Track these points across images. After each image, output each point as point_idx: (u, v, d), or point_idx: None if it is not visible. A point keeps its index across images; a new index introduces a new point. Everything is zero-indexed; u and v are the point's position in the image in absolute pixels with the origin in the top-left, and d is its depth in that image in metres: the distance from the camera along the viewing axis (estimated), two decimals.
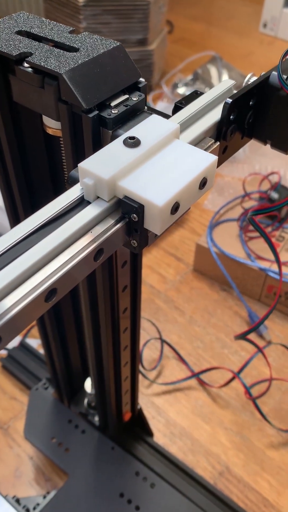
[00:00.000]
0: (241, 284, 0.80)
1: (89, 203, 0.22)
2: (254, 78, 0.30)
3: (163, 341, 0.73)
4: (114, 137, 0.25)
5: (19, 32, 0.28)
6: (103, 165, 0.22)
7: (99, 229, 0.22)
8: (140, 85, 0.27)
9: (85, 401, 0.59)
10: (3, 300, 0.19)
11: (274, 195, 0.83)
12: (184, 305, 0.81)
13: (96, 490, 0.52)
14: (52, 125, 0.29)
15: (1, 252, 0.20)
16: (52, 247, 0.20)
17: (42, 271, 0.20)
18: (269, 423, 0.64)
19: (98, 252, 0.22)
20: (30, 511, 0.54)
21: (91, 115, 0.25)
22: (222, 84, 0.31)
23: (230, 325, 0.78)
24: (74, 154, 0.27)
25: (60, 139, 0.30)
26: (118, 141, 0.23)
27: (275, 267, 0.76)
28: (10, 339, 0.19)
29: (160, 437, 0.63)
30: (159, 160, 0.23)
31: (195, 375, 0.70)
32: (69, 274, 0.20)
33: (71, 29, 0.28)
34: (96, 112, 0.25)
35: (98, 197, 0.22)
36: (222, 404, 0.68)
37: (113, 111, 0.25)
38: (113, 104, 0.26)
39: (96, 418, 0.57)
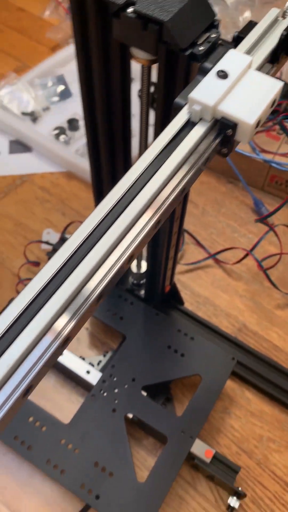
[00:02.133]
0: (246, 176, 0.90)
1: (194, 124, 0.32)
2: None
3: (183, 230, 0.85)
4: (201, 68, 0.33)
5: None
6: (206, 94, 0.31)
7: (205, 142, 0.31)
8: (215, 23, 0.35)
9: (130, 279, 0.72)
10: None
11: None
12: (196, 199, 0.91)
13: (149, 345, 0.67)
14: (141, 56, 0.36)
15: (147, 166, 0.29)
16: (182, 155, 0.30)
17: (178, 174, 0.30)
18: (277, 289, 0.79)
19: (206, 159, 0.31)
20: (95, 366, 0.69)
21: (186, 53, 0.33)
22: (270, 14, 0.38)
23: (238, 213, 0.90)
24: (165, 83, 0.36)
25: (145, 67, 0.38)
26: (212, 75, 0.32)
27: (277, 159, 0.86)
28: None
29: (188, 305, 0.77)
30: (242, 87, 0.32)
31: (212, 255, 0.83)
32: (195, 174, 0.30)
33: None
34: (190, 50, 0.33)
35: (201, 119, 0.32)
36: (236, 277, 0.82)
37: (200, 48, 0.33)
38: (199, 42, 0.33)
39: (142, 292, 0.71)
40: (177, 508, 0.62)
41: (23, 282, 0.78)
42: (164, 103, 0.38)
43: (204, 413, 0.62)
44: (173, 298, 0.73)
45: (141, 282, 0.72)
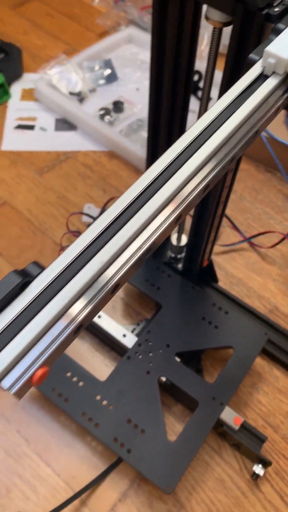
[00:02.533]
0: (286, 166, 0.92)
1: (266, 77, 0.34)
2: None
3: None
4: (275, 29, 0.36)
5: None
6: (282, 49, 0.33)
7: (276, 93, 0.33)
8: None
9: (168, 253, 0.74)
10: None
11: None
12: (234, 185, 0.93)
13: (184, 316, 0.69)
14: (216, 18, 0.39)
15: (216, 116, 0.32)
16: (256, 103, 0.32)
17: (250, 120, 0.32)
18: None
19: (277, 110, 0.34)
20: (129, 332, 0.71)
21: (263, 12, 0.35)
22: None
23: (275, 201, 0.91)
24: (238, 43, 0.38)
25: (216, 30, 0.40)
26: (286, 33, 0.34)
27: None
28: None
29: (222, 285, 0.79)
30: None
31: (247, 239, 0.85)
32: (266, 122, 0.32)
33: None
34: (266, 10, 0.35)
35: (273, 73, 0.34)
36: (270, 261, 0.83)
37: (275, 9, 0.36)
38: (274, 4, 0.36)
39: (179, 265, 0.73)
40: (203, 472, 0.64)
41: (64, 249, 0.81)
42: (234, 66, 0.40)
43: (235, 383, 0.64)
44: (209, 275, 0.75)
45: (179, 256, 0.74)
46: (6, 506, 0.61)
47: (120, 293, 0.78)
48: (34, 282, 0.24)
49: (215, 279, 0.77)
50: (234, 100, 0.33)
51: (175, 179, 0.28)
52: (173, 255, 0.74)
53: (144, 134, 0.95)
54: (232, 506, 0.62)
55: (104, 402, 0.61)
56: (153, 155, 0.57)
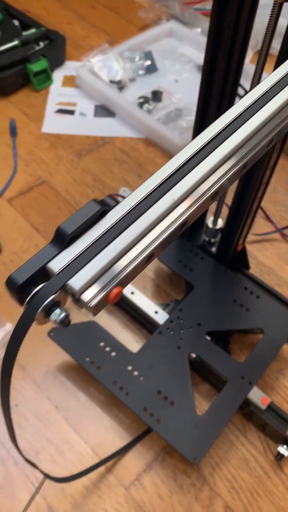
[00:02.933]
0: None
1: None
2: None
3: None
4: None
5: None
6: None
7: None
8: None
9: (203, 236, 0.75)
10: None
11: None
12: None
13: (215, 297, 0.70)
14: None
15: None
16: None
17: None
18: None
19: None
20: (160, 309, 0.72)
21: None
22: None
23: None
24: None
25: (276, 4, 0.42)
26: None
27: None
28: None
29: (252, 273, 0.80)
30: None
31: (279, 229, 0.86)
32: None
33: None
34: None
35: None
36: None
37: None
38: None
39: (213, 249, 0.74)
40: (227, 451, 0.65)
41: None
42: None
43: (264, 365, 0.65)
44: (241, 261, 0.76)
45: (213, 240, 0.75)
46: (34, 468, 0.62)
47: (150, 274, 0.80)
48: (111, 211, 0.26)
49: (246, 265, 0.78)
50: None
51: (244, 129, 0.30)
52: (207, 239, 0.75)
53: (182, 123, 0.97)
54: (255, 485, 0.63)
55: (135, 373, 0.63)
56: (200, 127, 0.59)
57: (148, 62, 1.08)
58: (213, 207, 0.76)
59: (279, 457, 0.62)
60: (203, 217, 0.75)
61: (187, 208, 0.27)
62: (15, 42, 1.02)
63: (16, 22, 1.10)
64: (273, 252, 0.84)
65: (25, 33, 1.06)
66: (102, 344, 0.65)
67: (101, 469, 0.63)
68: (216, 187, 0.28)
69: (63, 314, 0.24)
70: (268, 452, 0.65)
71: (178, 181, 0.27)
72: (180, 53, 1.12)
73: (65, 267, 0.24)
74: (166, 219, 0.26)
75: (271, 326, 0.68)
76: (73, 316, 0.75)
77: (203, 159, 0.28)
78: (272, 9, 0.43)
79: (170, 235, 0.27)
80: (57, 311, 0.24)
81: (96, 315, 0.25)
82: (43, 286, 0.24)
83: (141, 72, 1.07)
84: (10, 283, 0.24)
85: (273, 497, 0.62)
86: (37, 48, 1.04)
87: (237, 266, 0.75)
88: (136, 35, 1.16)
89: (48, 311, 0.24)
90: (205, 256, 0.74)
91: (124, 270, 0.25)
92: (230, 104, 0.56)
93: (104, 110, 1.02)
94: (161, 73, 1.08)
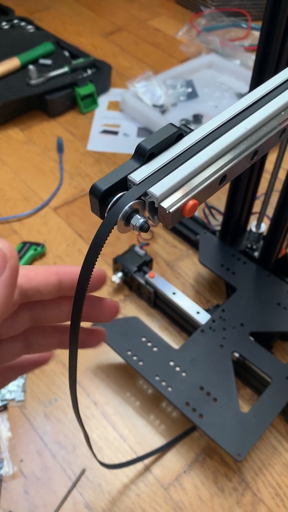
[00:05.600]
0: None
1: None
2: None
3: None
4: None
5: None
6: None
7: None
8: None
9: (245, 242, 0.76)
10: None
11: None
12: None
13: (258, 300, 0.70)
14: None
15: None
16: None
17: None
18: None
19: None
20: (202, 309, 0.72)
21: None
22: None
23: None
24: None
25: None
26: None
27: None
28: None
29: None
30: None
31: None
32: None
33: None
34: None
35: None
36: None
37: None
38: None
39: (255, 254, 0.75)
40: (270, 456, 0.62)
41: (141, 234, 0.85)
42: None
43: None
44: (283, 268, 0.76)
45: (255, 246, 0.76)
46: (71, 462, 0.61)
47: (191, 280, 0.80)
48: (188, 136, 0.28)
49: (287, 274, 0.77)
50: None
51: None
52: (249, 245, 0.76)
53: None
54: None
55: (177, 368, 0.62)
56: None
57: (189, 89, 1.14)
58: (256, 209, 0.77)
59: None
60: (245, 222, 0.76)
61: (257, 141, 0.28)
62: (65, 69, 1.09)
63: (66, 53, 1.18)
64: None
65: (74, 61, 1.14)
66: (144, 339, 0.65)
67: (140, 467, 0.61)
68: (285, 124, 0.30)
69: (142, 219, 0.25)
70: None
71: (249, 115, 0.29)
72: (220, 82, 1.18)
73: (146, 178, 0.25)
74: (239, 146, 0.28)
75: None
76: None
77: (271, 101, 0.30)
78: None
79: (241, 162, 0.28)
80: (137, 216, 0.25)
81: (172, 226, 0.26)
82: (124, 193, 0.25)
83: (182, 98, 1.12)
84: (94, 190, 0.25)
85: None
86: (85, 74, 1.11)
87: (280, 272, 0.75)
88: (177, 65, 1.22)
89: (128, 218, 0.25)
90: (247, 261, 0.74)
91: (200, 185, 0.26)
92: None
93: (146, 132, 1.06)
94: (201, 99, 1.13)
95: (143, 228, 0.25)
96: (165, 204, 0.25)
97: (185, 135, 0.28)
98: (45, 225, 0.88)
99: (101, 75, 1.13)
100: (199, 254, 0.76)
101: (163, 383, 0.61)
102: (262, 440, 0.63)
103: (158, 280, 0.74)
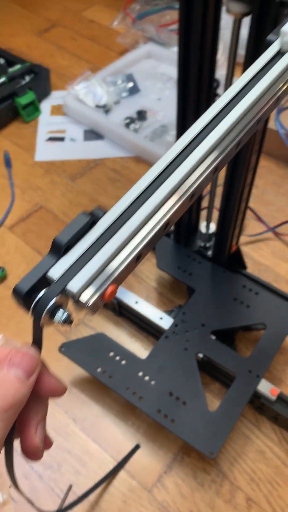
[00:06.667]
0: None
1: (283, 53, 0.39)
2: None
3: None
4: None
5: None
6: None
7: None
8: None
9: (198, 242, 0.79)
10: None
11: None
12: (256, 181, 0.98)
13: (216, 297, 0.73)
14: (236, 10, 0.44)
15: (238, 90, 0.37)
16: (279, 70, 0.37)
17: (273, 87, 0.37)
18: None
19: None
20: (165, 314, 0.75)
21: (277, 0, 0.40)
22: None
23: None
24: (257, 29, 0.43)
25: (236, 20, 0.46)
26: None
27: None
28: None
29: (250, 271, 0.83)
30: None
31: (271, 228, 0.89)
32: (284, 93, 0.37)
33: None
34: None
35: None
36: None
37: None
38: None
39: (209, 253, 0.77)
40: (243, 445, 0.67)
41: None
42: (254, 50, 0.45)
43: (269, 357, 0.67)
44: (237, 262, 0.79)
45: (208, 245, 0.79)
46: (58, 480, 0.65)
47: (153, 283, 0.83)
48: (100, 221, 0.29)
49: (243, 265, 0.81)
50: (255, 76, 0.38)
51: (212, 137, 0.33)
52: (202, 244, 0.78)
53: (168, 138, 1.01)
54: (273, 475, 0.64)
55: (146, 378, 0.65)
56: (182, 129, 0.63)
57: (131, 84, 1.13)
58: (205, 212, 0.79)
59: None
60: (196, 223, 0.78)
61: (168, 211, 0.30)
62: (2, 79, 1.08)
63: (1, 61, 1.16)
64: (267, 251, 0.87)
65: (10, 69, 1.11)
66: (111, 354, 0.68)
67: (124, 475, 0.65)
68: (192, 189, 0.31)
69: (65, 314, 0.27)
70: (283, 442, 0.67)
71: (157, 188, 0.31)
72: (160, 73, 1.17)
73: (63, 274, 0.27)
74: (150, 222, 0.30)
75: (272, 320, 0.70)
76: (81, 330, 0.78)
77: (178, 166, 0.32)
78: (233, 25, 0.47)
79: (155, 236, 0.30)
80: (60, 312, 0.27)
81: (95, 313, 0.28)
82: (44, 292, 0.27)
83: (124, 94, 1.12)
84: (16, 292, 0.27)
85: None
86: (23, 82, 1.10)
87: (234, 267, 0.78)
88: (116, 59, 1.21)
89: (52, 313, 0.27)
90: (202, 260, 0.77)
91: (116, 270, 0.28)
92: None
93: (93, 134, 1.06)
94: (144, 93, 1.13)
95: (67, 321, 0.27)
96: (84, 297, 0.27)
97: (99, 220, 0.30)
98: (2, 247, 0.89)
99: (40, 80, 1.12)
100: (157, 259, 0.78)
101: (134, 395, 0.64)
102: (234, 431, 0.68)
103: (121, 290, 0.76)
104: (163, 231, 0.31)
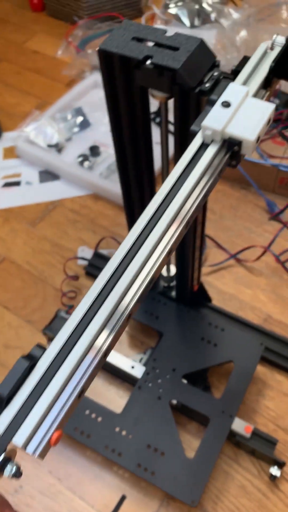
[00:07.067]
0: (257, 181, 0.98)
1: (207, 146, 0.40)
2: (280, 38, 0.46)
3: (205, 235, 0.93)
4: (209, 100, 0.42)
5: (134, 38, 0.43)
6: (215, 121, 0.39)
7: (218, 157, 0.40)
8: (216, 63, 0.43)
9: (161, 283, 0.80)
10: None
11: (275, 101, 0.99)
12: (213, 206, 1.00)
13: (184, 339, 0.75)
14: (159, 95, 0.45)
15: (174, 182, 0.38)
16: (201, 170, 0.38)
17: (200, 184, 0.38)
18: None
19: (220, 171, 0.40)
20: (137, 361, 0.76)
21: (196, 91, 0.41)
22: (261, 47, 0.47)
23: (253, 215, 0.98)
24: (181, 115, 0.45)
25: (162, 103, 0.47)
26: (218, 105, 0.40)
27: (284, 162, 0.94)
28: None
29: (215, 303, 0.85)
30: (243, 112, 0.40)
31: (233, 256, 0.91)
32: (213, 183, 0.39)
33: (165, 30, 0.44)
34: (198, 87, 0.42)
35: (212, 141, 0.40)
36: (257, 273, 0.89)
37: (206, 85, 0.42)
38: (205, 80, 0.42)
39: (173, 293, 0.79)
40: (224, 481, 0.69)
41: (66, 294, 0.87)
42: (181, 131, 0.46)
43: (240, 395, 0.69)
44: (202, 297, 0.81)
45: (171, 284, 0.80)
46: None
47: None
48: (39, 362, 0.30)
49: (208, 299, 0.82)
50: (185, 169, 0.39)
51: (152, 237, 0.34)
52: (166, 285, 0.80)
53: None
54: (256, 509, 0.67)
55: (124, 432, 0.67)
56: (130, 212, 0.64)
57: (80, 118, 1.13)
58: None
59: (273, 478, 0.67)
60: None
61: (101, 345, 0.31)
62: None
63: None
64: (231, 278, 0.89)
65: None
66: (87, 412, 0.69)
67: None
68: (128, 310, 0.33)
69: (14, 469, 0.28)
70: (262, 473, 0.69)
71: (89, 324, 0.32)
72: None
73: (7, 428, 0.28)
74: (86, 359, 0.31)
75: (240, 356, 0.72)
76: None
77: (113, 288, 0.33)
78: (160, 107, 0.48)
79: (95, 369, 0.31)
80: (8, 467, 0.28)
81: (43, 458, 0.29)
82: None
83: (75, 129, 1.12)
84: None
85: None
86: None
87: (200, 302, 0.80)
88: (64, 91, 1.21)
89: (1, 468, 0.28)
90: (167, 301, 0.79)
91: (58, 415, 0.29)
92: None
93: (48, 175, 1.07)
94: (95, 126, 1.13)
95: (16, 476, 0.28)
96: (30, 449, 0.28)
97: (38, 362, 0.30)
98: None
99: None
100: None
101: (113, 452, 0.65)
102: (215, 468, 0.70)
103: None
104: (103, 358, 0.32)
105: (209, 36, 1.24)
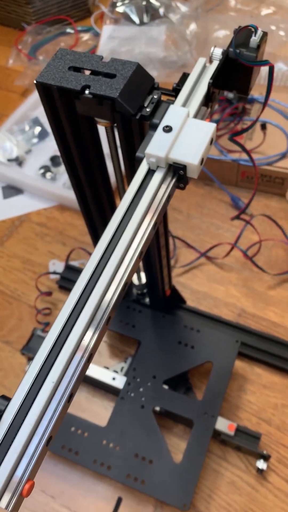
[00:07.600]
0: (219, 176, 0.99)
1: (154, 171, 0.40)
2: (217, 50, 0.46)
3: (173, 237, 0.94)
4: (151, 124, 0.42)
5: (70, 68, 0.43)
6: (157, 148, 0.39)
7: (165, 182, 0.40)
8: (155, 85, 0.44)
9: (134, 291, 0.81)
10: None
11: (230, 95, 0.99)
12: (180, 205, 1.00)
13: (161, 345, 0.76)
14: (103, 122, 0.45)
15: (126, 208, 0.38)
16: (150, 197, 0.39)
17: (150, 209, 0.39)
18: (265, 272, 0.88)
19: (169, 196, 0.40)
20: (119, 372, 0.77)
21: (137, 117, 0.42)
22: (199, 62, 0.47)
23: (219, 211, 0.99)
24: (125, 140, 0.45)
25: (108, 128, 0.47)
26: (160, 131, 0.41)
27: (244, 156, 0.95)
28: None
29: (190, 303, 0.86)
30: (185, 135, 0.41)
31: (203, 254, 0.92)
32: (163, 208, 0.39)
33: (101, 56, 0.44)
34: (139, 113, 0.42)
35: (158, 166, 0.40)
36: (228, 269, 0.91)
37: (147, 109, 0.42)
38: (145, 104, 0.42)
39: (146, 300, 0.80)
40: (214, 480, 0.71)
41: (41, 312, 0.87)
42: (128, 155, 0.47)
43: (220, 394, 0.71)
44: (176, 299, 0.82)
45: (144, 291, 0.81)
46: None
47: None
48: (4, 415, 0.31)
49: (182, 300, 0.83)
50: (134, 197, 0.40)
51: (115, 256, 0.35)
52: (139, 292, 0.80)
53: None
54: (247, 503, 0.69)
55: (111, 445, 0.68)
56: (91, 225, 0.64)
57: (38, 129, 1.12)
58: None
59: (260, 471, 0.69)
60: None
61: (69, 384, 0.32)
62: None
63: None
64: (203, 277, 0.90)
65: None
66: (73, 428, 0.70)
67: None
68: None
69: None
70: (250, 467, 0.71)
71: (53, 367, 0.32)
72: None
73: None
74: (55, 396, 0.31)
75: (217, 356, 0.74)
76: None
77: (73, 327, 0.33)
78: (106, 133, 0.48)
79: (60, 415, 0.31)
80: None
81: (17, 510, 0.29)
82: None
83: (34, 140, 1.11)
84: None
85: (266, 508, 0.68)
86: None
87: (174, 305, 0.81)
88: (20, 101, 1.19)
89: None
90: (141, 308, 0.79)
91: (27, 468, 0.29)
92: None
93: (12, 190, 1.05)
94: (53, 137, 1.11)
95: None
96: (3, 504, 0.28)
97: (3, 413, 0.31)
98: None
99: None
100: None
101: (102, 466, 0.66)
102: (204, 468, 0.72)
103: None
104: (67, 403, 0.32)
105: (159, 32, 1.23)
